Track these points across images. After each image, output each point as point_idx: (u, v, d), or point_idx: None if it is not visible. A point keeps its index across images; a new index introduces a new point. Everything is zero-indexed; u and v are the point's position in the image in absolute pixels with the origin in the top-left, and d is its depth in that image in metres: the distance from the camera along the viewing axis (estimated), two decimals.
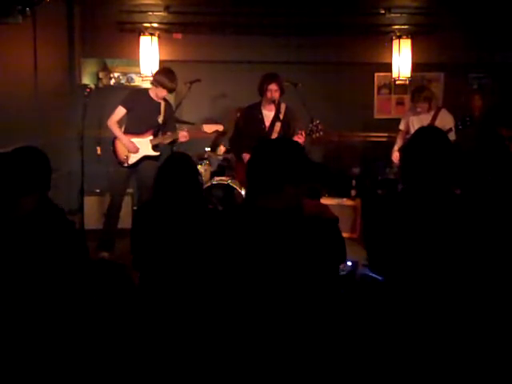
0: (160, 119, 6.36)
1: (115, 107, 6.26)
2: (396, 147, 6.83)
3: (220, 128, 6.55)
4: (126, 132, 6.32)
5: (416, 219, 2.71)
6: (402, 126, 6.88)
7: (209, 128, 6.51)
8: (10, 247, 2.61)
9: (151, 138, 6.31)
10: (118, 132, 6.26)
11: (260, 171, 2.47)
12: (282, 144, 2.61)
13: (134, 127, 6.31)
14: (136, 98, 6.35)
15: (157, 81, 6.26)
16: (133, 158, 6.29)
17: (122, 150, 6.30)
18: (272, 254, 2.34)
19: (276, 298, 2.32)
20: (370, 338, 2.68)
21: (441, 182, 2.75)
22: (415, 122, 6.54)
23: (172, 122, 6.55)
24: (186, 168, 3.73)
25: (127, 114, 6.30)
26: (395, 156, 6.75)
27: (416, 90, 6.78)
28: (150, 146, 6.32)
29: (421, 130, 3.09)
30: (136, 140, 6.29)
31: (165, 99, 6.45)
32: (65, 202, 5.61)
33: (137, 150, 6.27)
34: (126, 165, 6.28)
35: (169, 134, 6.36)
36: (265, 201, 2.44)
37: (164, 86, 6.23)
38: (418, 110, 6.58)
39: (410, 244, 2.69)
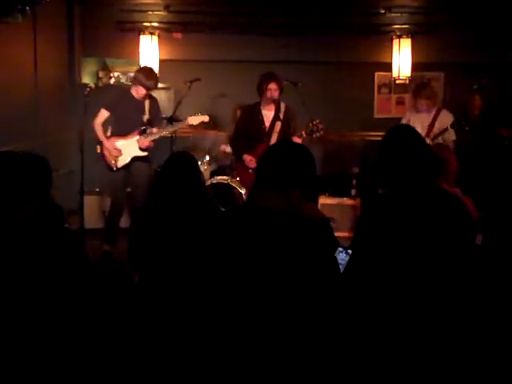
0: (145, 118, 6.37)
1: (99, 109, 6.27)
2: None
3: (206, 119, 6.48)
4: (114, 134, 6.35)
5: (402, 219, 2.70)
6: None
7: (194, 120, 6.44)
8: (10, 254, 2.60)
9: (138, 137, 6.32)
10: (100, 135, 6.29)
11: (275, 167, 2.49)
12: (298, 147, 2.66)
13: (119, 129, 6.34)
14: (118, 99, 6.37)
15: (135, 79, 6.31)
16: (121, 161, 6.30)
17: (109, 154, 6.33)
18: (274, 255, 2.34)
19: (278, 299, 2.32)
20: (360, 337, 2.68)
21: (421, 180, 2.75)
22: (415, 122, 6.52)
23: (159, 119, 6.56)
24: (188, 167, 3.73)
25: (111, 115, 6.32)
26: None
27: (418, 86, 6.78)
28: (137, 146, 6.33)
29: (391, 130, 3.09)
30: (123, 142, 6.30)
31: (151, 96, 6.46)
32: (65, 202, 5.60)
33: (119, 153, 6.29)
34: (114, 169, 6.31)
35: (154, 130, 6.34)
36: (268, 201, 2.44)
37: (141, 84, 6.23)
38: (418, 105, 6.56)
39: (403, 243, 2.68)
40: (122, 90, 6.66)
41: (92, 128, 6.27)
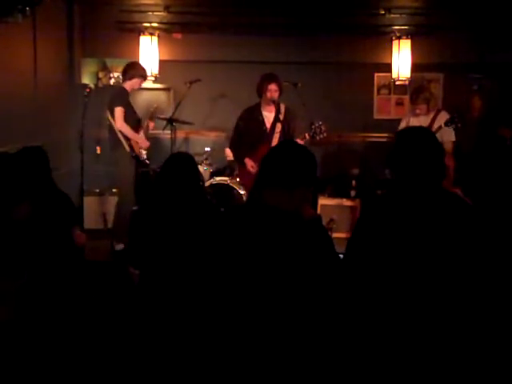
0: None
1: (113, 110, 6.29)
2: None
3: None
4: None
5: (405, 218, 2.69)
6: (400, 128, 6.83)
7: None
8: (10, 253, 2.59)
9: (142, 132, 6.50)
10: (130, 132, 6.35)
11: (283, 167, 2.51)
12: (302, 148, 2.67)
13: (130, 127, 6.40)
14: (125, 97, 6.45)
15: (136, 74, 6.45)
16: (144, 155, 6.46)
17: (136, 146, 6.43)
18: (279, 252, 2.34)
19: (279, 296, 2.32)
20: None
21: (429, 180, 2.73)
22: (415, 124, 6.50)
23: None
24: (187, 167, 3.73)
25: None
26: None
27: (415, 90, 6.76)
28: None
29: (404, 130, 3.08)
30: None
31: None
32: None
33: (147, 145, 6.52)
34: (141, 158, 6.44)
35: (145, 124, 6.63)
36: (275, 199, 2.45)
37: (143, 77, 6.49)
38: (417, 111, 6.54)
39: (400, 243, 2.67)
40: (123, 89, 6.67)
41: (118, 130, 6.29)
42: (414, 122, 6.55)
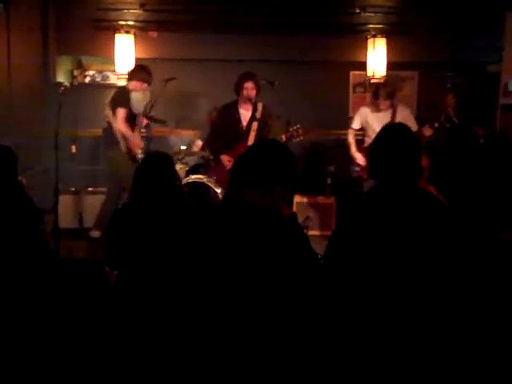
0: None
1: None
2: (354, 148, 6.72)
3: None
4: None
5: (384, 217, 2.71)
6: (355, 125, 6.77)
7: None
8: None
9: (136, 130, 6.64)
10: (129, 133, 6.49)
11: (261, 166, 2.51)
12: (280, 147, 2.67)
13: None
14: (127, 97, 6.61)
15: (141, 77, 6.60)
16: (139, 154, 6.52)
17: (133, 146, 6.53)
18: (257, 252, 2.35)
19: (258, 295, 2.33)
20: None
21: (409, 179, 2.77)
22: (374, 121, 6.45)
23: None
24: (164, 167, 3.73)
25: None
26: (359, 158, 6.64)
27: (377, 86, 6.78)
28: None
29: (387, 127, 3.10)
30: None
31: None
32: (39, 201, 5.56)
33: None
34: (137, 158, 6.46)
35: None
36: (251, 198, 2.45)
37: (147, 81, 6.64)
38: (381, 106, 6.52)
39: (380, 242, 2.69)
40: (123, 87, 6.80)
41: (119, 131, 6.43)
42: (374, 118, 6.53)
